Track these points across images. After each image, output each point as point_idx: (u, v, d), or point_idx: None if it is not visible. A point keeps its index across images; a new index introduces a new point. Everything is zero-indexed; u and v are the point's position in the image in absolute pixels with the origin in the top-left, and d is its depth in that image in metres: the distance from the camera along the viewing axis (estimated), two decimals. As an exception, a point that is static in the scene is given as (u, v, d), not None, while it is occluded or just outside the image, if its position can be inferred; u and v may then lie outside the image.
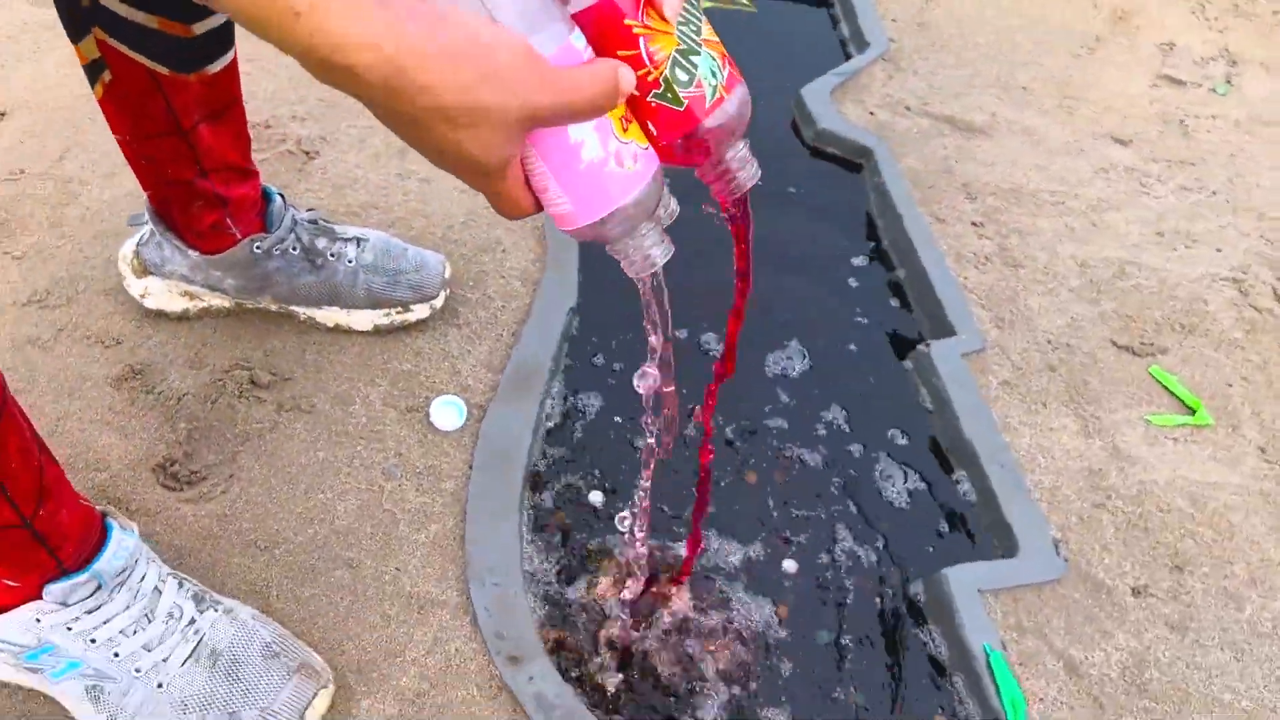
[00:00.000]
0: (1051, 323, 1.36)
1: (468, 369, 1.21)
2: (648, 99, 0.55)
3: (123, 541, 0.82)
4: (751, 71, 0.64)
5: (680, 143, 0.57)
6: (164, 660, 0.83)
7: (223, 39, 0.96)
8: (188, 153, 1.01)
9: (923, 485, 1.17)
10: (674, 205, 0.64)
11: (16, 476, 0.72)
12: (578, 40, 0.52)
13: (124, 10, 0.88)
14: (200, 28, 0.92)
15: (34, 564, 0.77)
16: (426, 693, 0.93)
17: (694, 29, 0.56)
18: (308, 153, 1.49)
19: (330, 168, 1.46)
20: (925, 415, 1.24)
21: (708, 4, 1.83)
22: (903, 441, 1.21)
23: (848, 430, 1.22)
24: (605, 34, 0.53)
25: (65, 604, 0.79)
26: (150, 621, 0.83)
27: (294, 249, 1.15)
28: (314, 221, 1.18)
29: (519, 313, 1.28)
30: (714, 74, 0.56)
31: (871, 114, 1.71)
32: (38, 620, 0.79)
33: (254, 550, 1.01)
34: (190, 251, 1.12)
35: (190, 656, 0.84)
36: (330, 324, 1.21)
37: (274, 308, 1.21)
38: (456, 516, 1.06)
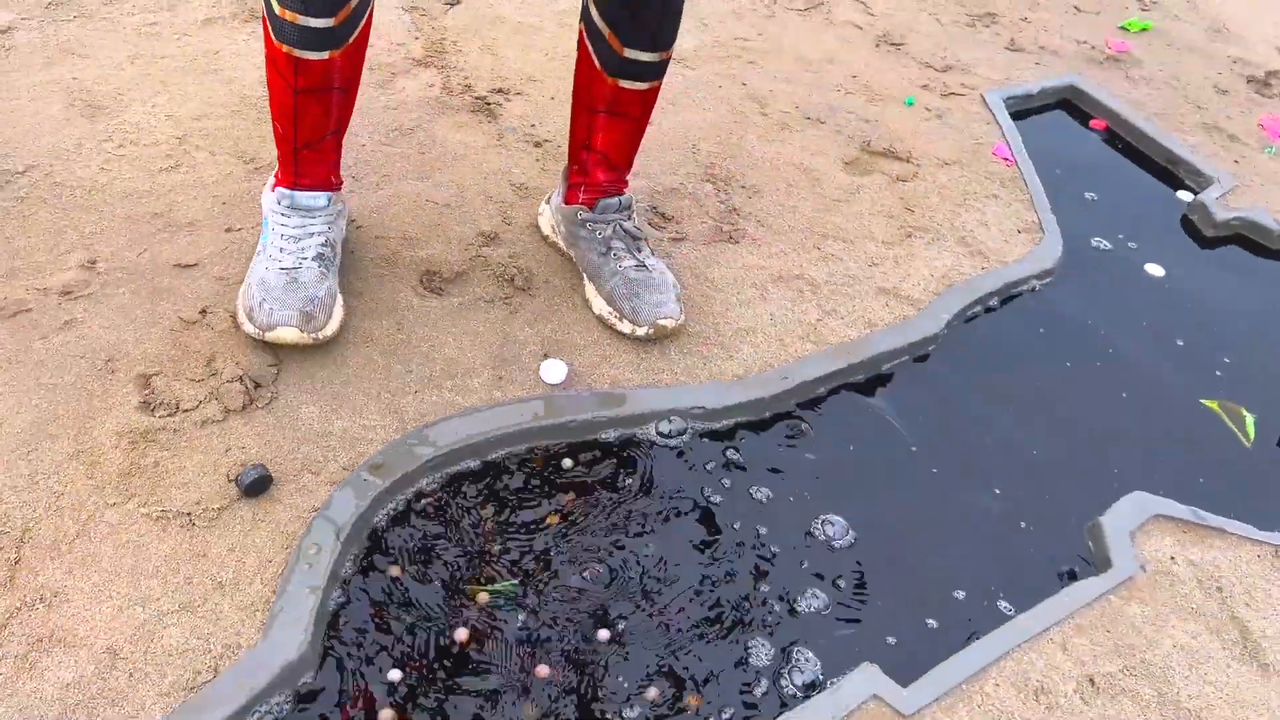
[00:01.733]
0: None
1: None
2: None
3: (324, 200, 1.36)
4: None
5: None
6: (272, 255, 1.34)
7: None
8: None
9: None
10: None
11: (310, 125, 1.28)
12: None
13: None
14: None
15: (286, 172, 1.35)
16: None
17: None
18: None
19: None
20: None
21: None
22: None
23: None
24: None
25: (279, 201, 1.35)
26: (285, 241, 1.34)
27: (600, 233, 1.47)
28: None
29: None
30: None
31: None
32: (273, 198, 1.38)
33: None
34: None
35: (270, 266, 1.33)
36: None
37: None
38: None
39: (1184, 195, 1.98)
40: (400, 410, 1.28)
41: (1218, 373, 1.62)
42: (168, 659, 1.01)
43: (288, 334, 1.28)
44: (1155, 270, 1.81)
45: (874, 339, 1.51)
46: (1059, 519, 1.34)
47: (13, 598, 1.04)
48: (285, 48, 1.21)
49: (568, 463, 1.29)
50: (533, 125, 1.82)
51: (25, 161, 1.54)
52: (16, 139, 1.58)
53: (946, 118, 2.04)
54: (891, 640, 1.16)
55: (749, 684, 1.10)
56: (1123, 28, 2.45)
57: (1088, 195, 1.95)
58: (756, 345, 1.47)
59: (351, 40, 1.23)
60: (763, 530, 1.25)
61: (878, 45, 2.26)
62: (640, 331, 1.41)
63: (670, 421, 1.34)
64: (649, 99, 1.39)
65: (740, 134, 1.90)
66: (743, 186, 1.77)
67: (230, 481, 1.17)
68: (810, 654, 1.13)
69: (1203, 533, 1.31)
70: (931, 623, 1.19)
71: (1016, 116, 2.13)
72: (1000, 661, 1.13)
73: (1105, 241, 1.84)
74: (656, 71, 1.36)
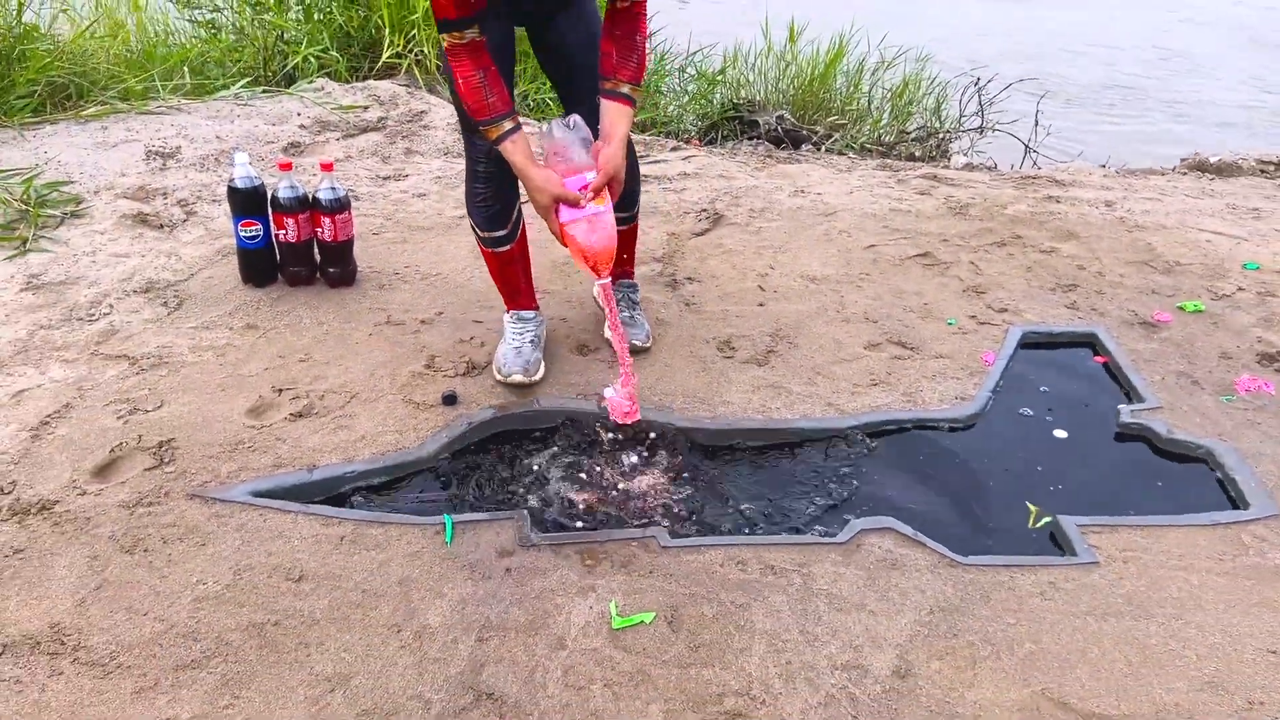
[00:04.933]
0: None
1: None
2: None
3: (530, 318, 2.73)
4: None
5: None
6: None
7: None
8: None
9: None
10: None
11: (509, 279, 2.72)
12: (590, 175, 2.18)
13: None
14: None
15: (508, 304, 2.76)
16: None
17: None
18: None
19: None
20: None
21: None
22: None
23: None
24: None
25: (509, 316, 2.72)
26: (518, 337, 2.68)
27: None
28: None
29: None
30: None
31: None
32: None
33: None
34: None
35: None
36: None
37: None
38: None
39: (1123, 406, 2.68)
40: (538, 391, 2.62)
41: (1051, 488, 2.38)
42: (388, 436, 2.40)
43: (516, 378, 2.66)
44: (1060, 434, 2.58)
45: (799, 423, 2.54)
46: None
47: (309, 410, 2.52)
48: (488, 249, 2.66)
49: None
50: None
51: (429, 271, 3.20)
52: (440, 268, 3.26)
53: (968, 335, 2.98)
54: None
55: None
56: (1179, 307, 3.14)
57: (1042, 389, 2.76)
58: (730, 407, 2.58)
59: (518, 237, 2.64)
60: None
61: (964, 291, 3.24)
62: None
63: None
64: (628, 232, 2.76)
65: (812, 319, 3.03)
66: (791, 344, 2.90)
67: (440, 396, 2.58)
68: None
69: (915, 544, 2.15)
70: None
71: (1042, 347, 2.97)
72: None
73: (1029, 411, 2.65)
74: (628, 220, 2.72)
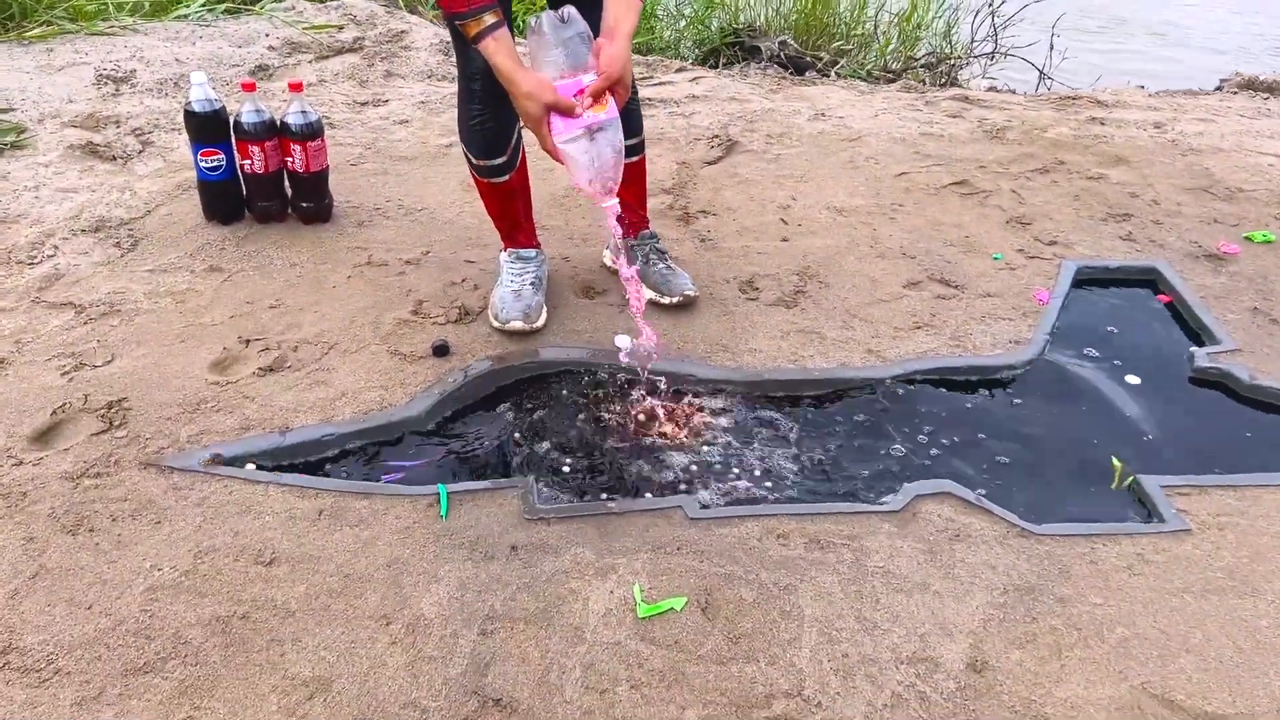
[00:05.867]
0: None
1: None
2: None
3: (530, 256, 2.43)
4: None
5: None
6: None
7: None
8: None
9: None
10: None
11: (509, 215, 2.42)
12: (587, 79, 1.81)
13: None
14: None
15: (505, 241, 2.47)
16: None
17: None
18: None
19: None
20: None
21: None
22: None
23: None
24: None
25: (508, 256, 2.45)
26: (517, 279, 2.39)
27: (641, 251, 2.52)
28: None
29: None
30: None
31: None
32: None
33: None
34: None
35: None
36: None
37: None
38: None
39: (1196, 349, 2.40)
40: (538, 340, 2.32)
41: (1124, 444, 2.10)
42: (371, 393, 2.10)
43: (516, 325, 2.34)
44: (1133, 379, 2.30)
45: (837, 372, 2.25)
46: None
47: (300, 373, 2.21)
48: (484, 179, 2.33)
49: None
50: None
51: (420, 206, 2.87)
52: (426, 199, 2.93)
53: (1017, 271, 2.68)
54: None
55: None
56: (1246, 238, 2.85)
57: (1108, 329, 2.47)
58: (757, 355, 2.29)
59: (517, 165, 2.32)
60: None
61: (1007, 223, 2.94)
62: (672, 300, 2.41)
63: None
64: (637, 164, 2.41)
65: (843, 255, 2.72)
66: (821, 284, 2.59)
67: (430, 347, 2.27)
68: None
69: (979, 511, 1.87)
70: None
71: (1098, 285, 2.68)
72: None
73: (1094, 353, 2.37)
74: (636, 150, 2.38)
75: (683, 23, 5.57)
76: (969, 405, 2.22)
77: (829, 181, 3.13)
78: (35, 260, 2.53)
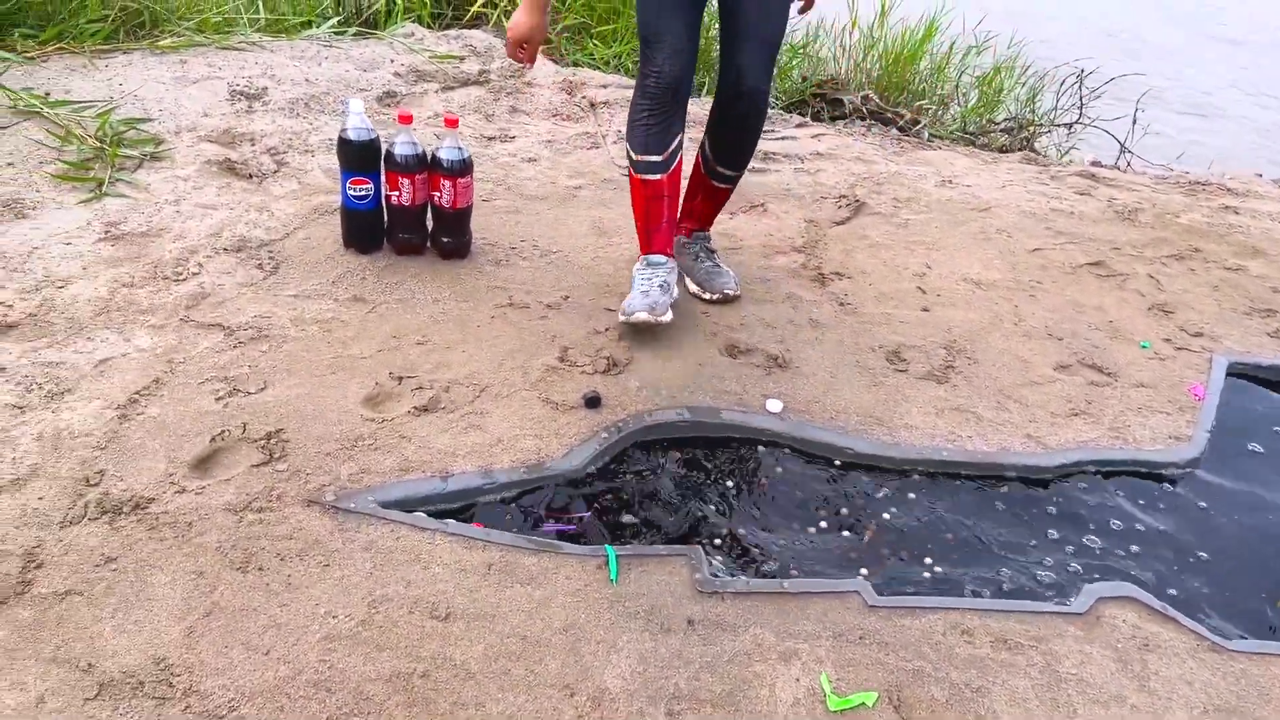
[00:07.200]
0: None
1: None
2: None
3: (660, 263, 2.49)
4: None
5: None
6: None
7: None
8: None
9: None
10: None
11: (651, 217, 2.48)
12: None
13: None
14: None
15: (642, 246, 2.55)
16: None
17: None
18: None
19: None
20: None
21: None
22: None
23: None
24: None
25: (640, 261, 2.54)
26: (646, 282, 2.46)
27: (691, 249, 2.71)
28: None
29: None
30: None
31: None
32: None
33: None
34: None
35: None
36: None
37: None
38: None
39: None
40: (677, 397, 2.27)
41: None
42: (527, 440, 2.06)
43: (641, 317, 2.36)
44: (1296, 489, 2.22)
45: (1000, 458, 2.19)
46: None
47: (453, 416, 2.18)
48: (637, 174, 2.39)
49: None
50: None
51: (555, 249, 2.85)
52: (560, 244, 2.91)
53: (1166, 362, 2.61)
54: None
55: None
56: (1403, 342, 2.77)
57: (1275, 428, 2.40)
58: (914, 432, 2.23)
59: (672, 170, 2.37)
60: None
61: (1150, 310, 2.88)
62: (713, 296, 2.60)
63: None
64: (727, 192, 2.63)
65: (988, 332, 2.66)
66: (970, 359, 2.54)
67: (581, 398, 2.23)
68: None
69: (1165, 620, 1.80)
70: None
71: (1246, 378, 2.61)
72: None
73: (1258, 449, 2.31)
74: (732, 181, 2.58)
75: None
76: (1140, 501, 2.16)
77: (961, 252, 3.08)
78: (181, 277, 2.52)
